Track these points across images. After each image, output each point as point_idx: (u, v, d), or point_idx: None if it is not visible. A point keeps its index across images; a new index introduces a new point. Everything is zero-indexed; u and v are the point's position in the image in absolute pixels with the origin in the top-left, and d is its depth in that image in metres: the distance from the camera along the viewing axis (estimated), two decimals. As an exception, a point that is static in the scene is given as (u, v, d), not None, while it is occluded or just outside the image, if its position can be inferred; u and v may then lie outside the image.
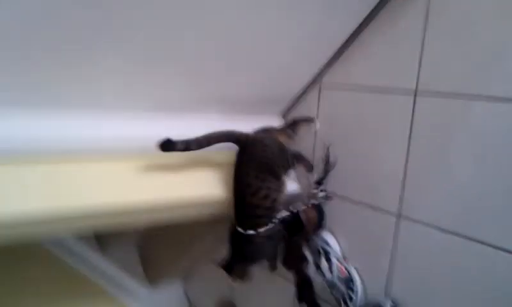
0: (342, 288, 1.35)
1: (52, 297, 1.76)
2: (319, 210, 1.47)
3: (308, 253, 1.44)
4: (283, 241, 1.40)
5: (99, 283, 1.93)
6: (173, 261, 1.98)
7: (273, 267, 1.43)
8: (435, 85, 1.18)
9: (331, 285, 1.36)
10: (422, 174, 1.21)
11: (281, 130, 1.49)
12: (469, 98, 1.12)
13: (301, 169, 1.49)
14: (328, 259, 1.38)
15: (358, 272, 1.36)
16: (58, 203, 1.06)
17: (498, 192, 1.08)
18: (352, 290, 1.34)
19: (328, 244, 1.42)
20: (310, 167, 1.49)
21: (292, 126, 1.50)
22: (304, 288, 1.49)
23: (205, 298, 1.99)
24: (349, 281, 1.35)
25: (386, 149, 1.29)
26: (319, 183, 1.46)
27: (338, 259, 1.38)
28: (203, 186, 1.35)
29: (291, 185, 1.53)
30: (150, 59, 1.10)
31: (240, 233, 1.29)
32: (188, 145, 1.19)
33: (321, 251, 1.40)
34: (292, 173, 1.45)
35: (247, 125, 1.51)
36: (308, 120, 1.51)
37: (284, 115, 1.60)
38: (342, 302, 1.34)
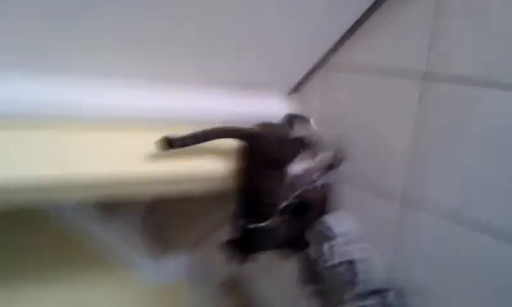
0: (346, 272, 1.35)
1: (54, 264, 1.78)
2: (325, 192, 1.45)
3: (312, 235, 1.43)
4: (286, 232, 1.38)
5: (102, 251, 1.95)
6: (177, 234, 2.00)
7: (285, 256, 1.44)
8: (445, 69, 1.15)
9: (335, 268, 1.35)
10: (429, 161, 1.19)
11: (281, 126, 1.45)
12: (481, 84, 1.08)
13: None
14: (333, 242, 1.36)
15: (363, 257, 1.35)
16: (61, 171, 1.05)
17: (509, 181, 1.05)
18: (355, 274, 1.34)
19: (332, 225, 1.40)
20: (314, 151, 1.47)
21: (289, 123, 1.45)
22: (307, 272, 1.49)
23: (209, 271, 2.01)
24: (353, 265, 1.34)
25: (392, 134, 1.27)
26: (327, 169, 1.44)
27: (342, 242, 1.37)
28: (211, 160, 1.34)
29: (297, 166, 1.52)
30: (157, 28, 1.09)
31: (242, 226, 1.31)
32: (185, 141, 1.17)
33: (326, 232, 1.39)
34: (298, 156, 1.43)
35: (253, 104, 1.50)
36: (303, 119, 1.45)
37: (291, 95, 1.57)
38: (345, 287, 1.34)
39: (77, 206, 1.92)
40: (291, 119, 1.47)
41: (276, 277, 1.69)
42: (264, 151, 1.27)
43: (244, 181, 1.28)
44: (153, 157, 1.22)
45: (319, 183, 1.47)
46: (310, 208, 1.46)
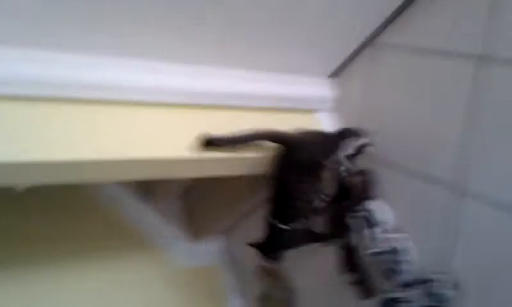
0: (389, 260, 1.31)
1: (92, 242, 1.81)
2: (367, 178, 1.41)
3: (354, 222, 1.39)
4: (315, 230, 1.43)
5: (141, 232, 1.98)
6: (215, 216, 2.00)
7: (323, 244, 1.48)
8: (502, 52, 1.08)
9: (378, 256, 1.32)
10: (482, 148, 1.13)
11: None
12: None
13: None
14: (376, 229, 1.33)
15: (408, 245, 1.31)
16: (103, 152, 1.06)
17: None
18: (401, 262, 1.30)
19: (376, 212, 1.36)
20: (357, 136, 1.43)
21: (341, 136, 1.41)
22: (348, 258, 1.46)
23: (247, 255, 2.00)
24: (397, 253, 1.30)
25: (443, 119, 1.21)
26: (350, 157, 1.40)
27: (386, 229, 1.33)
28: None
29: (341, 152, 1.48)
30: (199, 10, 1.07)
31: (274, 225, 1.34)
32: (230, 142, 1.20)
33: (369, 219, 1.35)
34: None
35: (293, 87, 1.46)
36: (359, 134, 1.40)
37: (332, 77, 1.52)
38: (388, 275, 1.31)
39: (119, 186, 1.96)
40: (343, 134, 1.42)
41: (312, 264, 1.66)
42: (299, 157, 1.29)
43: (278, 183, 1.31)
44: (194, 139, 1.20)
45: (356, 169, 1.45)
46: (351, 194, 1.43)
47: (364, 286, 1.44)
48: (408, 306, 1.25)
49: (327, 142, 1.35)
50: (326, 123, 1.53)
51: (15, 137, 0.95)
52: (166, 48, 1.16)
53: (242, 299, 2.03)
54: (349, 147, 1.41)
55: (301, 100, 1.50)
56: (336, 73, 1.51)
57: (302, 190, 1.30)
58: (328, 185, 1.35)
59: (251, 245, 1.44)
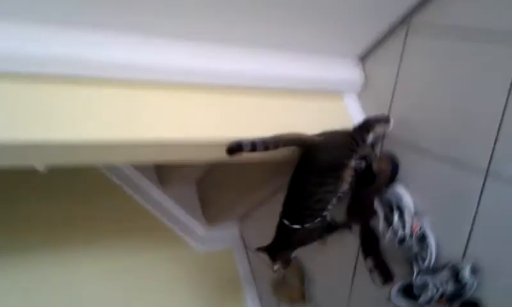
0: (413, 244, 1.29)
1: (108, 227, 1.81)
2: (393, 161, 1.39)
3: (378, 207, 1.37)
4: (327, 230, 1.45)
5: (157, 217, 1.96)
6: (231, 203, 1.98)
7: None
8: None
9: (401, 241, 1.29)
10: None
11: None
12: None
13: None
14: (401, 215, 1.30)
15: (431, 230, 1.29)
16: (123, 131, 1.04)
17: None
18: (423, 247, 1.28)
19: (400, 197, 1.34)
20: (386, 122, 1.41)
21: (363, 130, 1.38)
22: (370, 243, 1.44)
23: (261, 240, 1.98)
24: (420, 238, 1.28)
25: (480, 103, 1.18)
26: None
27: (410, 214, 1.31)
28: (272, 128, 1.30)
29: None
30: None
31: (287, 225, 1.35)
32: (253, 149, 1.20)
33: (394, 205, 1.33)
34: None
35: (322, 70, 1.44)
36: (382, 120, 1.40)
37: (361, 58, 1.50)
38: (413, 261, 1.28)
39: (136, 171, 1.93)
40: (365, 127, 1.39)
41: (326, 250, 1.64)
42: (320, 159, 1.29)
43: (298, 184, 1.32)
44: (216, 122, 1.21)
45: (382, 154, 1.43)
46: (377, 179, 1.41)
47: (383, 271, 1.41)
48: (427, 291, 1.22)
49: (349, 142, 1.33)
50: (353, 106, 1.50)
51: (17, 116, 0.92)
52: (188, 27, 1.13)
53: (256, 284, 2.02)
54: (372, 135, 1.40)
55: (329, 82, 1.48)
56: (366, 55, 1.48)
57: (321, 192, 1.31)
58: (348, 183, 1.35)
59: (260, 249, 1.47)
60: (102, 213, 1.81)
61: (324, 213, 1.35)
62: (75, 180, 1.77)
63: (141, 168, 1.93)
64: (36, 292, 1.54)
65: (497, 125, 1.15)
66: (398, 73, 1.38)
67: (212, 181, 2.02)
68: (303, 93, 1.42)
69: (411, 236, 1.29)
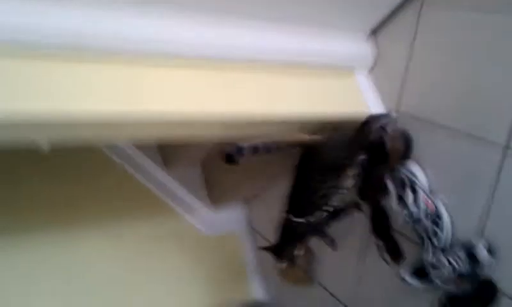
0: (427, 223, 1.25)
1: (111, 207, 1.79)
2: (406, 139, 1.35)
3: (390, 184, 1.34)
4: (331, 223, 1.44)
5: (161, 198, 1.93)
6: (236, 185, 1.95)
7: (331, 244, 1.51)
8: None
9: (415, 219, 1.26)
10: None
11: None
12: None
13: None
14: (414, 192, 1.27)
15: (446, 208, 1.26)
16: (127, 106, 1.00)
17: None
18: (438, 226, 1.24)
19: (414, 175, 1.30)
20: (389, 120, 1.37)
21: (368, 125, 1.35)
22: (381, 222, 1.41)
23: (267, 223, 1.97)
24: (435, 217, 1.24)
25: (499, 76, 1.14)
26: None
27: (424, 192, 1.28)
28: (283, 104, 1.26)
29: (377, 107, 1.43)
30: None
31: (291, 219, 1.36)
32: (257, 150, 1.24)
33: (407, 182, 1.29)
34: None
35: (329, 42, 1.39)
36: (384, 119, 1.35)
37: (374, 33, 1.45)
38: (425, 238, 1.25)
39: (140, 152, 1.89)
40: (370, 122, 1.35)
41: (341, 229, 1.62)
42: (325, 157, 1.30)
43: (301, 183, 1.33)
44: (222, 97, 1.16)
45: (396, 131, 1.39)
46: (390, 157, 1.37)
47: (394, 250, 1.39)
48: (442, 271, 1.20)
49: (350, 145, 1.33)
50: (364, 83, 1.46)
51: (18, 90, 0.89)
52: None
53: (261, 266, 2.00)
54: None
55: (339, 57, 1.43)
56: (378, 29, 1.43)
57: (325, 187, 1.32)
58: (352, 179, 1.35)
59: (264, 249, 1.49)
60: (104, 194, 1.79)
61: (328, 207, 1.35)
62: (78, 160, 1.74)
63: (145, 148, 1.89)
64: (38, 272, 1.53)
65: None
66: (412, 47, 1.34)
67: (217, 162, 1.99)
68: (312, 69, 1.37)
69: (425, 214, 1.26)
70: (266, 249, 1.48)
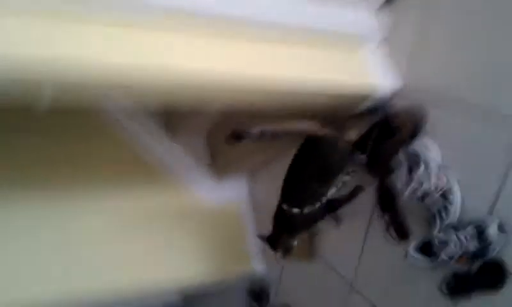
0: (438, 197, 1.22)
1: (113, 167, 1.79)
2: (416, 114, 1.31)
3: (403, 157, 1.30)
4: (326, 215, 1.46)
5: (164, 166, 1.92)
6: (241, 157, 1.92)
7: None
8: None
9: (426, 193, 1.23)
10: None
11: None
12: None
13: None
14: (426, 166, 1.24)
15: (458, 183, 1.22)
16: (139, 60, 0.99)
17: None
18: (449, 202, 1.22)
19: (426, 149, 1.27)
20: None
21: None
22: (388, 199, 1.38)
23: (270, 196, 1.95)
24: (446, 191, 1.21)
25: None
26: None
27: (437, 170, 1.24)
28: (287, 71, 1.23)
29: (388, 82, 1.38)
30: None
31: (285, 210, 1.36)
32: (263, 135, 1.22)
33: (419, 156, 1.26)
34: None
35: (337, 14, 1.33)
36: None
37: (385, 3, 1.39)
38: (435, 215, 1.22)
39: (145, 119, 1.87)
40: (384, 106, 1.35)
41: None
42: (321, 155, 1.29)
43: (296, 169, 1.32)
44: (234, 59, 1.13)
45: (406, 107, 1.35)
46: (399, 132, 1.34)
47: (400, 228, 1.36)
48: (449, 246, 1.17)
49: (342, 153, 1.32)
50: (372, 57, 1.40)
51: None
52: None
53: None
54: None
55: (348, 26, 1.37)
56: (388, 3, 1.37)
57: (322, 179, 1.32)
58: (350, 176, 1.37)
59: (260, 237, 1.48)
60: (105, 156, 1.78)
61: (324, 198, 1.34)
62: (79, 122, 1.72)
63: (149, 115, 1.86)
64: (37, 227, 1.54)
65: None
66: (425, 18, 1.29)
67: (222, 133, 1.95)
68: (315, 41, 1.32)
69: (436, 188, 1.23)
70: (262, 238, 1.48)
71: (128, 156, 1.83)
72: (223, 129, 1.98)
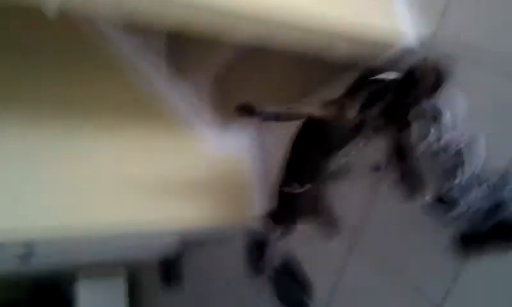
0: (451, 157, 1.20)
1: (115, 106, 1.76)
2: (440, 68, 1.26)
3: (418, 114, 1.27)
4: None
5: (170, 108, 1.88)
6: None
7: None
8: None
9: (445, 150, 1.20)
10: None
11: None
12: None
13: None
14: (446, 122, 1.21)
15: (481, 138, 1.19)
16: None
17: None
18: (463, 161, 1.19)
19: (446, 108, 1.23)
20: None
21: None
22: (402, 152, 1.36)
23: (276, 146, 1.92)
24: (468, 144, 1.19)
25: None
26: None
27: (451, 127, 1.21)
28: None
29: (416, 31, 1.32)
30: None
31: (288, 187, 1.36)
32: (268, 117, 1.23)
33: (439, 111, 1.22)
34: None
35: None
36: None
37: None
38: (453, 171, 1.20)
39: (151, 60, 1.82)
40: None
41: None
42: (325, 137, 1.28)
43: (300, 148, 1.32)
44: None
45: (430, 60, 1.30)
46: (421, 85, 1.30)
47: (413, 182, 1.34)
48: (467, 196, 1.16)
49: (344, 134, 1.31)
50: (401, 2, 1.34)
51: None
52: None
53: (268, 190, 1.97)
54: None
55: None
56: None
57: (315, 159, 1.32)
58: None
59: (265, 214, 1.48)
60: (108, 96, 1.74)
61: (322, 175, 1.36)
62: (84, 59, 1.70)
63: (155, 53, 1.81)
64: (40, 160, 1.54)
65: None
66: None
67: (232, 79, 1.90)
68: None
69: (448, 148, 1.20)
70: (266, 214, 1.49)
71: (129, 93, 1.79)
72: (233, 75, 1.93)
